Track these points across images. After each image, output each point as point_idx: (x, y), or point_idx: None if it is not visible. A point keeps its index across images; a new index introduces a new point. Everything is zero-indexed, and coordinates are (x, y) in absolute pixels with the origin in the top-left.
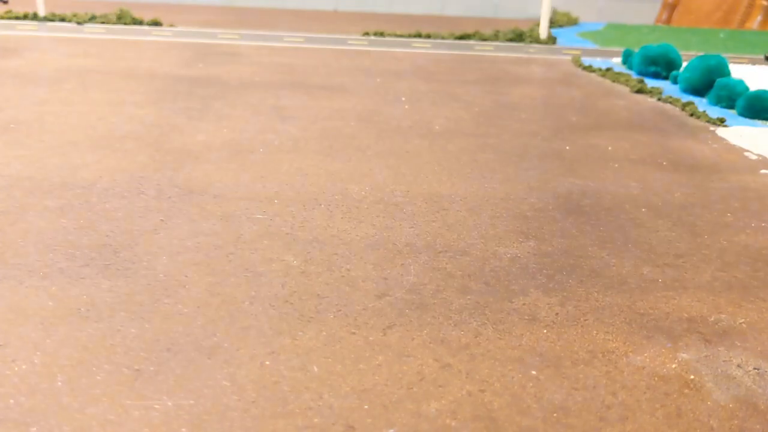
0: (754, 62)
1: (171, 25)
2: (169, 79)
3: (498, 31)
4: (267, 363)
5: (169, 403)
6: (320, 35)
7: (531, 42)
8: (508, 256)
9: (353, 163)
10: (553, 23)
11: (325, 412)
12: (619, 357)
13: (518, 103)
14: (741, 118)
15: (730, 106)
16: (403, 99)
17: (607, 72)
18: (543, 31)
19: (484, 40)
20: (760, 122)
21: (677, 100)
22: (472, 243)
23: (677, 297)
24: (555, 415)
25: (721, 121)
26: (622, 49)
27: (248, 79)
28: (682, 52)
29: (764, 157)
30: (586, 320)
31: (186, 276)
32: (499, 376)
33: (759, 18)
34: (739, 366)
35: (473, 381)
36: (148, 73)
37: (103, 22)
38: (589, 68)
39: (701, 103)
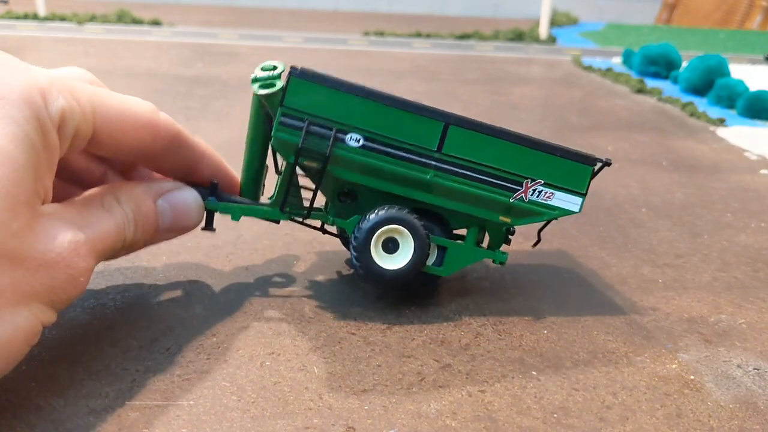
0: (754, 62)
1: (171, 25)
2: (169, 79)
3: (498, 31)
4: (267, 363)
5: (170, 403)
6: (320, 35)
7: (531, 42)
8: (508, 256)
9: None
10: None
11: (325, 413)
12: (619, 357)
13: (518, 103)
14: (741, 118)
15: (730, 106)
16: None
17: (608, 72)
18: (543, 31)
19: (484, 40)
20: (760, 122)
21: (677, 100)
22: None
23: (677, 297)
24: (555, 415)
25: (721, 121)
26: (622, 49)
27: (248, 79)
28: (682, 52)
29: (764, 157)
30: (586, 320)
31: (186, 276)
32: (500, 377)
33: (759, 18)
34: (739, 366)
35: (473, 381)
36: (148, 73)
37: (103, 22)
38: (589, 68)
39: (701, 103)
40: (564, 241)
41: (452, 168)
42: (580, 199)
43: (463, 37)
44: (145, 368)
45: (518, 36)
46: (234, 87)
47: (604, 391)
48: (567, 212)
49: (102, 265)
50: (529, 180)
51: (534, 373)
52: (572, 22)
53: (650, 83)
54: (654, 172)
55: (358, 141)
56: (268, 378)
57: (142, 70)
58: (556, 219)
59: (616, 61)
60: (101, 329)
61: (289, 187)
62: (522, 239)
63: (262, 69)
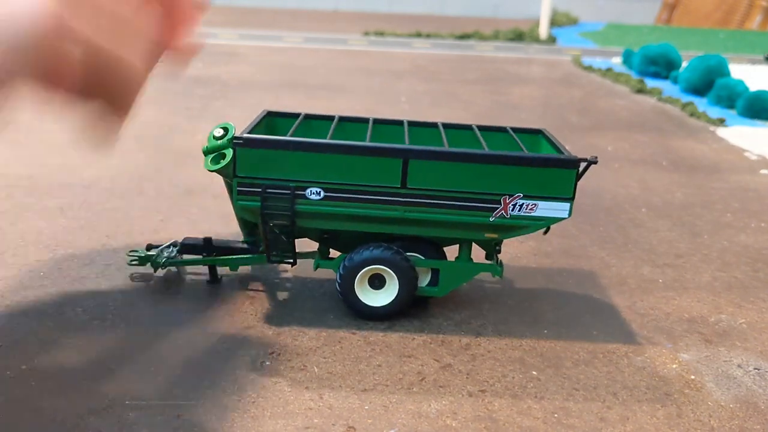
0: (754, 62)
1: None
2: (169, 79)
3: (498, 31)
4: (267, 363)
5: (169, 403)
6: (320, 35)
7: (531, 42)
8: (508, 256)
9: None
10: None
11: (325, 413)
12: (619, 357)
13: (518, 103)
14: (741, 118)
15: (730, 106)
16: (403, 99)
17: (608, 72)
18: (543, 31)
19: (484, 40)
20: (760, 122)
21: (677, 100)
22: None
23: (677, 297)
24: (555, 415)
25: (721, 121)
26: (622, 49)
27: (248, 79)
28: (682, 52)
29: (764, 157)
30: (586, 320)
31: (185, 276)
32: (500, 377)
33: (759, 18)
34: (739, 366)
35: (474, 381)
36: None
37: None
38: (589, 68)
39: (701, 103)
40: (564, 241)
41: (421, 200)
42: (568, 204)
43: (463, 37)
44: (146, 368)
45: (518, 36)
46: (234, 87)
47: (604, 391)
48: (556, 220)
49: (101, 265)
50: (507, 196)
51: (534, 373)
52: (572, 22)
53: (650, 83)
54: (654, 172)
55: (319, 194)
56: (268, 378)
57: None
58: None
59: (616, 61)
60: (101, 329)
61: (268, 242)
62: (522, 238)
63: (214, 137)
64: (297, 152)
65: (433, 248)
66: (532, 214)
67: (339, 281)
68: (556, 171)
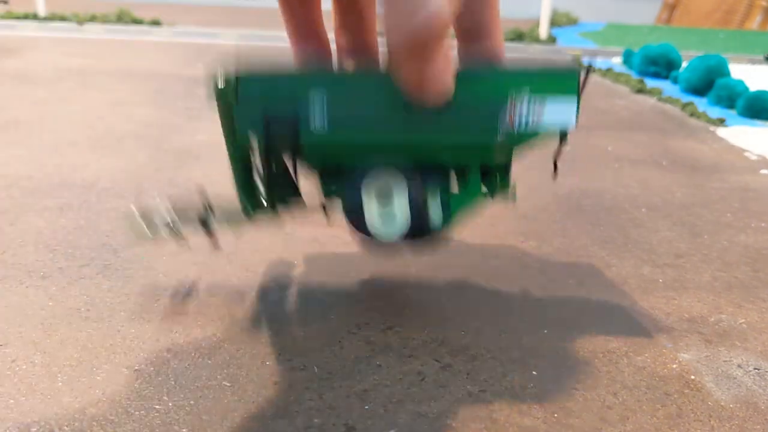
0: (754, 62)
1: (171, 25)
2: (169, 79)
3: None
4: (267, 363)
5: (169, 404)
6: None
7: (531, 42)
8: (509, 256)
9: None
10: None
11: (325, 413)
12: (619, 357)
13: None
14: (741, 118)
15: (730, 106)
16: None
17: (608, 72)
18: (543, 32)
19: None
20: (760, 122)
21: (677, 100)
22: (473, 243)
23: (678, 297)
24: (556, 415)
25: (721, 121)
26: (622, 49)
27: None
28: (682, 52)
29: (764, 157)
30: (586, 320)
31: (186, 276)
32: (500, 377)
33: (759, 18)
34: (739, 366)
35: (474, 381)
36: (148, 73)
37: (103, 22)
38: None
39: (701, 103)
40: (564, 241)
41: (427, 122)
42: (574, 105)
43: None
44: (145, 368)
45: (518, 36)
46: None
47: (604, 390)
48: (563, 127)
49: (99, 263)
50: (512, 101)
51: (534, 372)
52: (572, 22)
53: (650, 83)
54: (654, 172)
55: (323, 123)
56: (268, 378)
57: (142, 70)
58: (563, 138)
59: (616, 61)
60: (100, 328)
61: (269, 180)
62: (522, 238)
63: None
64: (301, 77)
65: (442, 179)
66: (539, 119)
67: (345, 201)
68: (559, 74)
